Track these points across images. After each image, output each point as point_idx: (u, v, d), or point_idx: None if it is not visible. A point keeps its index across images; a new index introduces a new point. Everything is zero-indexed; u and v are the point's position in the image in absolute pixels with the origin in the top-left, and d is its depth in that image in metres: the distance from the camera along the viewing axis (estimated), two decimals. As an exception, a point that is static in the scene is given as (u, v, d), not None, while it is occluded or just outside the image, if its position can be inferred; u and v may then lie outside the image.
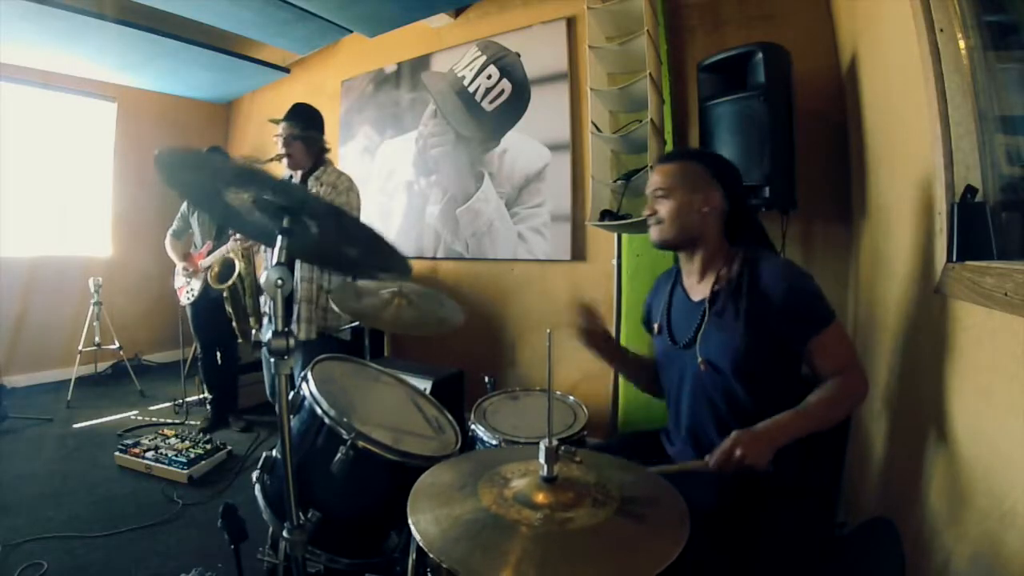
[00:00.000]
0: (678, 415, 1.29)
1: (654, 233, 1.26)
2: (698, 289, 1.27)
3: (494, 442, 1.56)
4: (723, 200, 1.21)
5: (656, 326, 1.34)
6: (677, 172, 1.24)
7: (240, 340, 2.75)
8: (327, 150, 2.14)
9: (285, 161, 2.09)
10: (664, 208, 1.23)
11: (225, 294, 2.44)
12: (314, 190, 2.03)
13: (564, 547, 0.70)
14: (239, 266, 2.40)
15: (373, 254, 1.15)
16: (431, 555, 0.69)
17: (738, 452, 0.99)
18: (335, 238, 1.08)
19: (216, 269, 2.53)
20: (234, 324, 2.50)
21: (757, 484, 1.11)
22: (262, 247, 2.35)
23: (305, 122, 2.07)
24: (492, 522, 0.73)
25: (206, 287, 2.87)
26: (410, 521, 0.74)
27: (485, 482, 0.83)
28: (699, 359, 1.18)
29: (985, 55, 1.09)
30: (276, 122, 2.06)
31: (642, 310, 1.47)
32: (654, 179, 1.27)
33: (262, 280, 1.21)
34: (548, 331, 0.84)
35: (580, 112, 2.86)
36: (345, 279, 2.08)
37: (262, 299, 2.41)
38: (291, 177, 2.14)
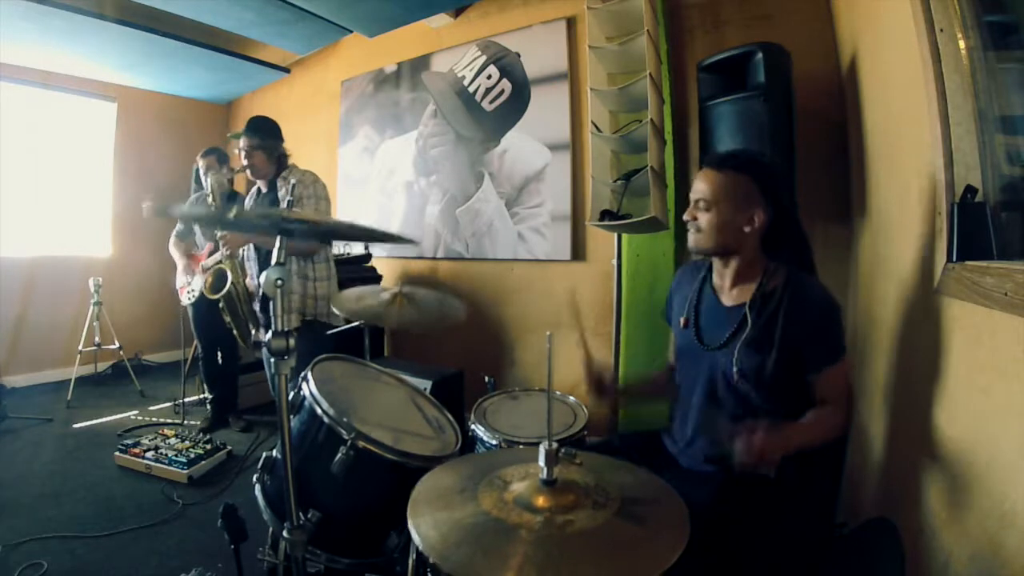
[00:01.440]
0: (687, 412, 1.29)
1: (690, 240, 1.24)
2: (731, 295, 1.25)
3: (494, 442, 1.56)
4: (769, 216, 1.18)
5: (682, 320, 1.32)
6: (725, 185, 1.18)
7: (242, 345, 2.76)
8: (288, 155, 2.31)
9: (249, 171, 2.23)
10: (705, 219, 1.20)
11: (221, 304, 2.44)
12: (282, 190, 2.21)
13: (565, 550, 0.70)
14: (231, 276, 2.41)
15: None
16: (432, 560, 0.69)
17: (758, 444, 0.95)
18: None
19: (210, 280, 2.53)
20: (235, 332, 2.50)
21: (757, 484, 1.11)
22: (244, 256, 2.44)
23: (263, 133, 2.22)
24: (493, 526, 0.73)
25: None
26: (410, 526, 0.74)
27: (485, 486, 0.83)
28: (735, 369, 1.17)
29: (985, 55, 1.09)
30: (236, 137, 2.15)
31: (664, 301, 1.46)
32: (700, 186, 1.21)
33: (261, 279, 1.22)
34: (548, 333, 0.84)
35: (580, 112, 2.86)
36: (329, 271, 2.30)
37: (256, 305, 2.45)
38: (257, 186, 2.32)
